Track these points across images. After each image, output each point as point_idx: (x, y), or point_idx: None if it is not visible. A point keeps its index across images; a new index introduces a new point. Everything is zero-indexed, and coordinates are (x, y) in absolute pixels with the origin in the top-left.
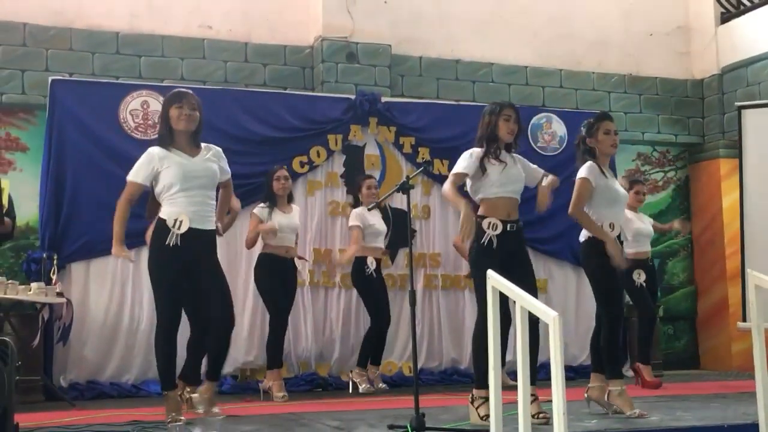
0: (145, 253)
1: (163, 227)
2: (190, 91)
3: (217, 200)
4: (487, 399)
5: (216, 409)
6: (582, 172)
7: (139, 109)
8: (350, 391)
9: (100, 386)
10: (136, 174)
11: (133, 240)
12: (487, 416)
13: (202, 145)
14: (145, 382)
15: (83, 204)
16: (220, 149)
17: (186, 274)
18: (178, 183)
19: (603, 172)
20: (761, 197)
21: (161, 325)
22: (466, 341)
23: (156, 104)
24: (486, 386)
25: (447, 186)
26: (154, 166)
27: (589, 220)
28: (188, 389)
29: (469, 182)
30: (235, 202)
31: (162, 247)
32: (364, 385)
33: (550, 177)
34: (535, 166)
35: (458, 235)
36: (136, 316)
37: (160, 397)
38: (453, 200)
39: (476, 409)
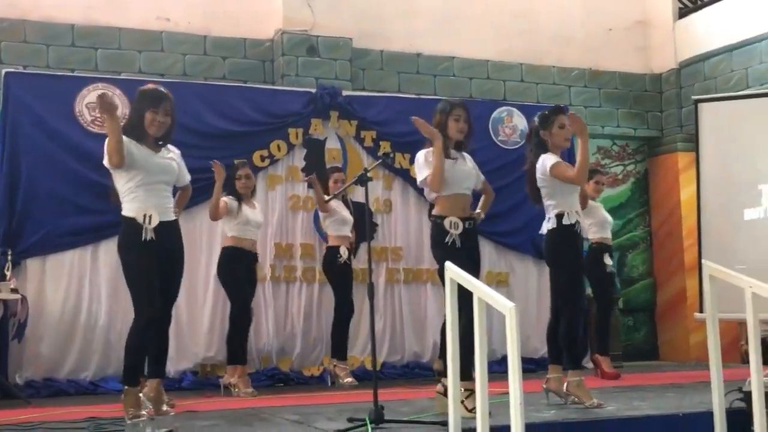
0: (103, 248)
1: (133, 225)
2: (168, 93)
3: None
4: (472, 391)
5: (165, 407)
6: (549, 159)
7: (95, 102)
8: (329, 384)
9: (57, 383)
10: (107, 157)
11: (90, 236)
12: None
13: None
14: (104, 379)
15: (39, 198)
16: (178, 151)
17: (159, 267)
18: (142, 175)
19: None
20: (717, 190)
21: (143, 321)
22: (428, 335)
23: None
24: (470, 378)
25: (431, 179)
26: (130, 149)
27: (582, 160)
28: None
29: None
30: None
31: (139, 244)
32: (348, 379)
33: (482, 202)
34: (479, 173)
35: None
36: (94, 312)
37: (118, 394)
38: (433, 138)
39: (463, 401)
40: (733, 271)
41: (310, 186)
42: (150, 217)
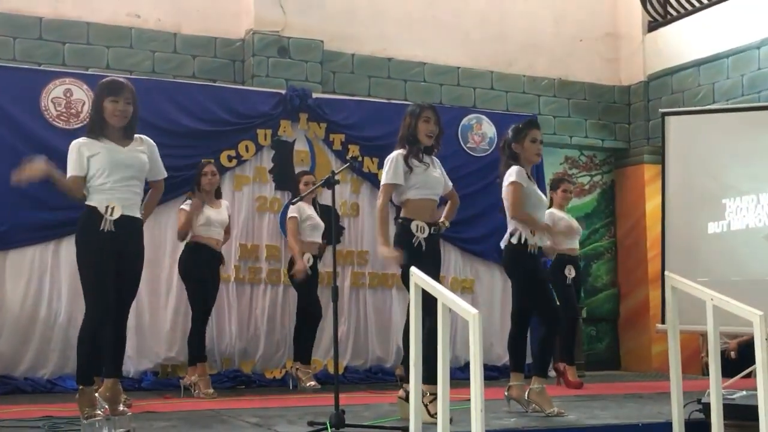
0: (65, 245)
1: (93, 214)
2: (127, 82)
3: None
4: (436, 396)
5: (121, 407)
6: (512, 176)
7: (61, 97)
8: (290, 387)
9: (14, 381)
10: (72, 168)
11: (52, 232)
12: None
13: (137, 136)
14: (62, 377)
15: (1, 194)
16: (154, 144)
17: (115, 262)
18: (106, 171)
19: (529, 178)
20: (682, 203)
21: (93, 317)
22: (392, 340)
23: (80, 92)
24: (434, 382)
25: (381, 201)
26: (83, 154)
27: (533, 219)
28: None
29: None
30: None
31: (96, 234)
32: (310, 383)
33: (446, 211)
34: (447, 179)
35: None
36: (54, 309)
37: (76, 393)
38: (380, 233)
39: (427, 406)
40: (696, 284)
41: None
42: (112, 209)
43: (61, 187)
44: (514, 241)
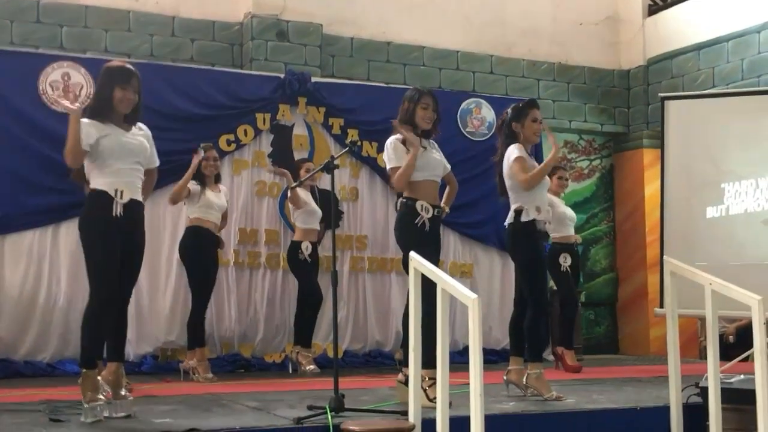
0: (64, 229)
1: (102, 197)
2: (135, 70)
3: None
4: (435, 380)
5: (123, 392)
6: (514, 152)
7: (59, 80)
8: (290, 371)
9: (14, 365)
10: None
11: (51, 216)
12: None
13: (138, 124)
14: (61, 361)
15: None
16: (150, 132)
17: (120, 246)
18: (115, 154)
19: (530, 156)
20: (681, 187)
21: (99, 301)
22: (391, 324)
23: (78, 76)
24: (433, 366)
25: (395, 178)
26: (90, 132)
27: (538, 169)
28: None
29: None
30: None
31: (107, 219)
32: (310, 367)
33: (445, 196)
34: (446, 162)
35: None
36: (53, 293)
37: (76, 377)
38: (409, 164)
39: (426, 390)
40: (694, 268)
41: (273, 172)
42: (122, 192)
43: (72, 138)
44: (523, 218)
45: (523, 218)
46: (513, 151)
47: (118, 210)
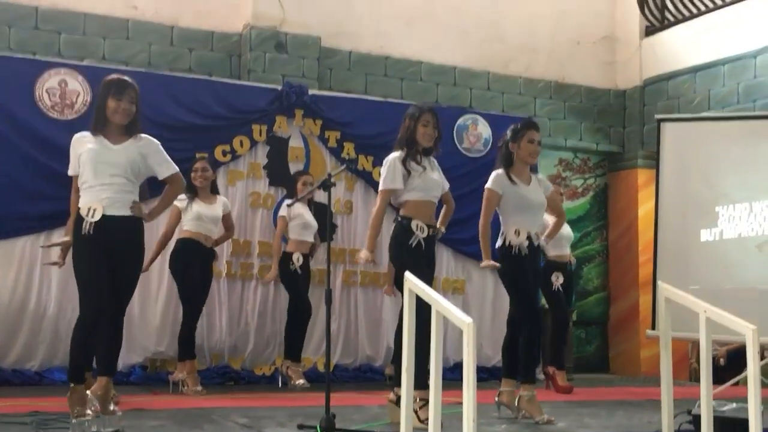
0: (55, 236)
1: (78, 216)
2: (132, 82)
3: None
4: (426, 401)
5: (112, 406)
6: (488, 182)
7: (56, 87)
8: (279, 384)
9: (2, 373)
10: (70, 167)
11: (43, 223)
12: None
13: (138, 135)
14: (50, 370)
15: None
16: (156, 142)
17: (106, 261)
18: (89, 169)
19: (511, 180)
20: (675, 208)
21: (84, 317)
22: (382, 339)
23: (75, 83)
24: (424, 387)
25: (379, 206)
26: (76, 151)
27: (484, 233)
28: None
29: None
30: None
31: (79, 238)
32: (300, 381)
33: (442, 216)
34: (445, 180)
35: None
36: (44, 300)
37: (65, 386)
38: (369, 237)
39: (417, 411)
40: (688, 293)
41: None
42: (93, 210)
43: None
44: (498, 243)
45: (498, 243)
46: (489, 181)
47: (87, 229)
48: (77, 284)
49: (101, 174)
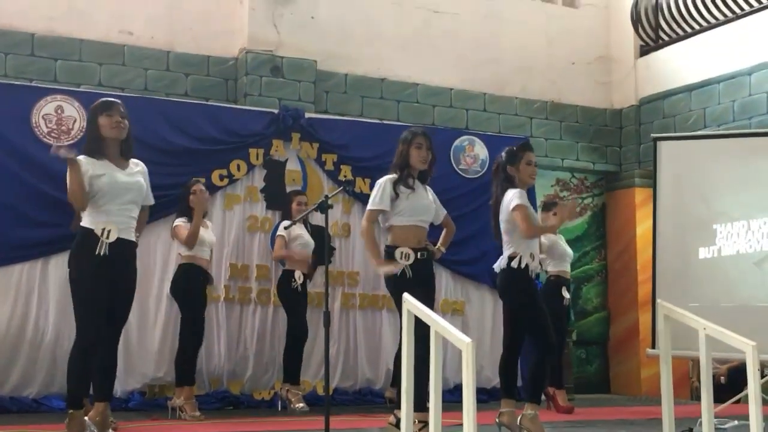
0: (53, 263)
1: (89, 237)
2: (119, 102)
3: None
4: (426, 424)
5: None
6: (515, 199)
7: (52, 113)
8: (279, 409)
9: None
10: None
11: (40, 249)
12: None
13: (132, 160)
14: (48, 397)
15: None
16: (146, 168)
17: (108, 286)
18: (107, 195)
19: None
20: (673, 227)
21: (83, 341)
22: (382, 362)
23: (71, 109)
24: (423, 409)
25: (366, 225)
26: (87, 171)
27: (543, 226)
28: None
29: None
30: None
31: (91, 258)
32: (299, 405)
33: (442, 238)
34: (440, 207)
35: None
36: (41, 327)
37: (63, 413)
38: (371, 253)
39: None
40: (688, 311)
41: None
42: (109, 231)
43: (72, 184)
44: (514, 265)
45: (514, 265)
46: (514, 198)
47: (103, 250)
48: (75, 307)
49: (117, 199)
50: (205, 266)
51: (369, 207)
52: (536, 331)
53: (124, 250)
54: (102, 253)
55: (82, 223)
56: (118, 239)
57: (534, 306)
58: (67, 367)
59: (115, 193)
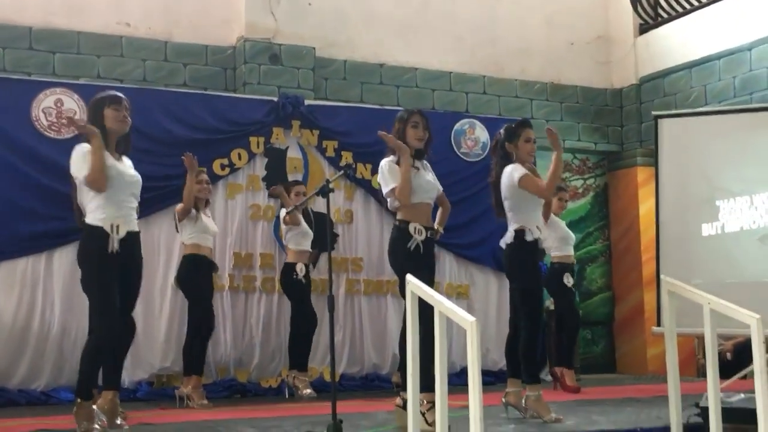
0: (57, 256)
1: (99, 234)
2: (124, 96)
3: None
4: (434, 404)
5: (119, 420)
6: (516, 170)
7: (52, 107)
8: (287, 396)
9: (8, 393)
10: (81, 169)
11: (44, 242)
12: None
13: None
14: (56, 389)
15: None
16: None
17: (120, 280)
18: (114, 185)
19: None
20: (675, 205)
21: (101, 339)
22: (388, 347)
23: (70, 102)
24: (431, 390)
25: (400, 194)
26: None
27: (551, 176)
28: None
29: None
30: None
31: (103, 255)
32: (307, 391)
33: (439, 217)
34: (438, 183)
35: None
36: (47, 321)
37: (71, 405)
38: (400, 151)
39: (424, 414)
40: (691, 287)
41: (271, 196)
42: (117, 227)
43: (96, 161)
44: (525, 237)
45: (527, 238)
46: (515, 170)
47: (114, 246)
48: (90, 302)
49: (122, 192)
50: (209, 255)
51: (386, 188)
52: (531, 310)
53: (133, 243)
54: (114, 250)
55: (87, 220)
56: (127, 233)
57: (537, 282)
58: (81, 359)
59: (120, 184)
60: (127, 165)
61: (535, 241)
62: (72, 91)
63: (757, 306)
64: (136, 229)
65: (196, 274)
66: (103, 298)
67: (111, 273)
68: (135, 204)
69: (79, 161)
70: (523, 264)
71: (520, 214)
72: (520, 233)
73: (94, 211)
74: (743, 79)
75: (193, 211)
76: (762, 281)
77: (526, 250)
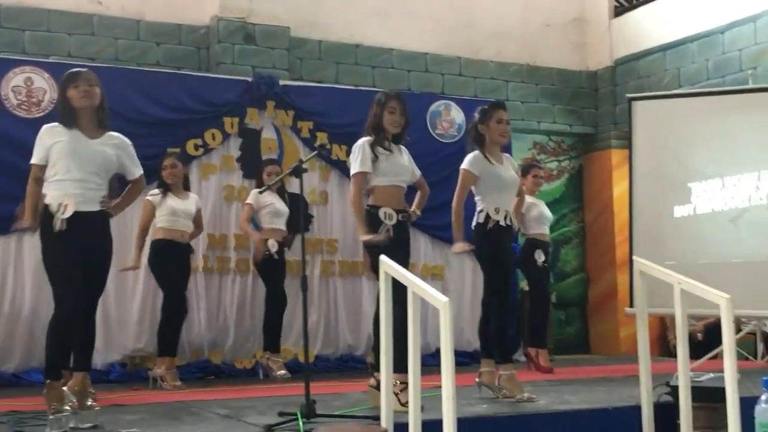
0: (28, 237)
1: (48, 212)
2: (87, 71)
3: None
4: (407, 384)
5: (89, 401)
6: (464, 162)
7: (22, 85)
8: (261, 377)
9: None
10: (35, 155)
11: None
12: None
13: (110, 133)
14: (27, 371)
15: None
16: (129, 142)
17: (79, 256)
18: (64, 162)
19: (489, 160)
20: (649, 186)
21: (59, 314)
22: (363, 328)
23: (41, 81)
24: (404, 371)
25: (355, 191)
26: (45, 143)
27: (458, 214)
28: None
29: None
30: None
31: (50, 235)
32: (281, 372)
33: (417, 200)
34: (415, 167)
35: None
36: (18, 302)
37: (42, 387)
38: (359, 223)
39: (397, 394)
40: (663, 267)
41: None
42: (65, 207)
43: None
44: (481, 220)
45: (491, 220)
46: (465, 161)
47: (59, 225)
48: (51, 281)
49: (75, 169)
50: (179, 238)
51: (356, 170)
52: (496, 290)
53: (87, 222)
54: (57, 229)
55: (44, 200)
56: (77, 213)
57: (499, 263)
58: (46, 340)
59: (72, 160)
60: (102, 141)
61: (498, 223)
62: (42, 70)
63: (728, 287)
64: (94, 208)
65: (164, 260)
66: (56, 276)
67: (63, 251)
68: (95, 183)
69: (36, 144)
70: (486, 245)
71: (484, 197)
72: (484, 215)
73: (47, 188)
74: (716, 62)
75: (159, 196)
76: (733, 262)
77: (490, 231)
